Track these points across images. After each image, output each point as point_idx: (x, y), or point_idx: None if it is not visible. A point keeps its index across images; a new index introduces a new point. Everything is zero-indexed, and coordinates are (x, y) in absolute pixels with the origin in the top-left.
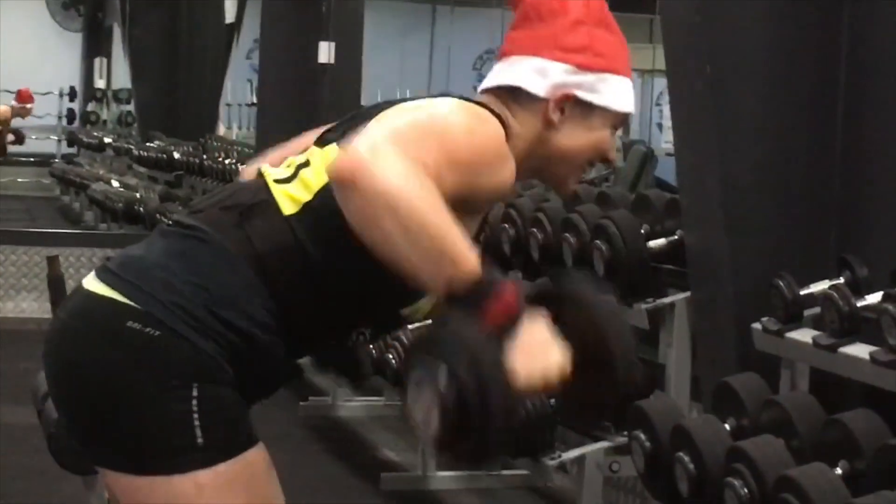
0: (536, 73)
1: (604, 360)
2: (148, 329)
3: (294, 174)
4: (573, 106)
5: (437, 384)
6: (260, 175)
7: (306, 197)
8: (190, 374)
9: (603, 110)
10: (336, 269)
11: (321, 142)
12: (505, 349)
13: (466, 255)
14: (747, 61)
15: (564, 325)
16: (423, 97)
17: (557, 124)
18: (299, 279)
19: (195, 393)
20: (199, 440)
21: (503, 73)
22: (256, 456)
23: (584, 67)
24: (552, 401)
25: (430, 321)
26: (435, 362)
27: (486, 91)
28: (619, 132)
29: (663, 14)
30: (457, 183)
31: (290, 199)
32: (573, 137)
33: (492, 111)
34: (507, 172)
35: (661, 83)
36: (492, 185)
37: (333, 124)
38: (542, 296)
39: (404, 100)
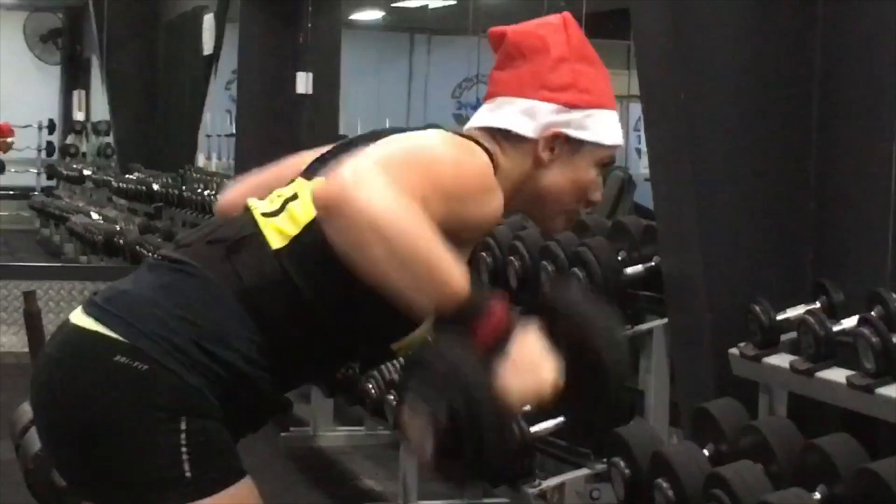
0: (524, 115)
1: (596, 373)
2: (136, 363)
3: (282, 207)
4: (563, 144)
5: (431, 410)
6: (247, 209)
7: (294, 230)
8: (178, 407)
9: (592, 146)
10: (325, 303)
11: (308, 173)
12: (496, 369)
13: (456, 276)
14: (721, 88)
15: (558, 336)
16: (411, 129)
17: (547, 163)
18: (288, 313)
19: (183, 426)
20: (188, 473)
21: (491, 114)
22: (244, 487)
23: (571, 105)
24: (531, 429)
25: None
26: (429, 388)
27: (476, 128)
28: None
29: (637, 41)
30: (443, 212)
31: (277, 233)
32: (560, 176)
33: (481, 145)
34: (494, 203)
35: (639, 109)
36: (479, 215)
37: (320, 154)
38: (537, 307)
39: (393, 130)
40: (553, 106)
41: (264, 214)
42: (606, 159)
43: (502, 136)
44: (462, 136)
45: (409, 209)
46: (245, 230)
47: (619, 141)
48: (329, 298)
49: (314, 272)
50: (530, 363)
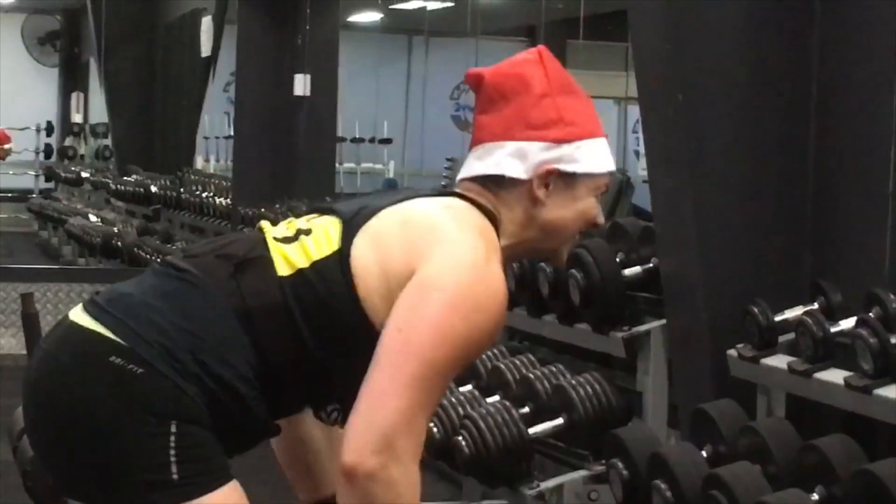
0: (515, 158)
1: None
2: (131, 366)
3: (295, 237)
4: (557, 179)
5: None
6: (259, 230)
7: (302, 263)
8: (169, 411)
9: (586, 176)
10: (318, 338)
11: (322, 210)
12: None
13: None
14: (718, 89)
15: None
16: (411, 193)
17: (544, 200)
18: (283, 340)
19: (173, 429)
20: (175, 476)
21: (481, 162)
22: (232, 490)
23: (559, 140)
24: (530, 430)
25: None
26: None
27: (469, 180)
28: None
29: (634, 43)
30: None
31: (286, 261)
32: (561, 209)
33: (484, 210)
34: (500, 324)
35: (637, 111)
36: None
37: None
38: None
39: (390, 200)
40: (541, 144)
41: (276, 239)
42: (602, 187)
43: (495, 184)
44: (460, 195)
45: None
46: (255, 251)
47: (612, 167)
48: (322, 334)
49: (311, 308)
50: None
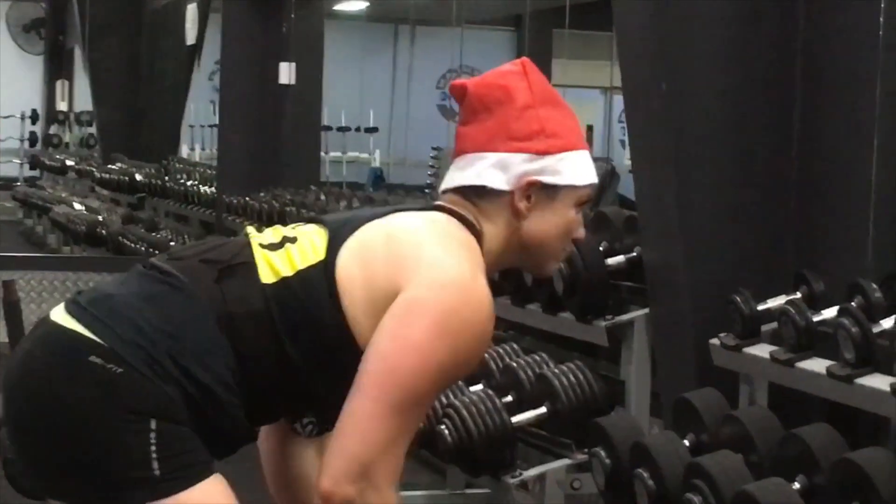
0: (496, 169)
1: None
2: (110, 365)
3: (280, 244)
4: (539, 191)
5: None
6: (245, 235)
7: (286, 272)
8: (148, 409)
9: (568, 188)
10: (298, 346)
11: (309, 219)
12: None
13: None
14: (702, 79)
15: None
16: (410, 214)
17: (526, 212)
18: (263, 347)
19: (153, 426)
20: (157, 472)
21: (462, 173)
22: (215, 483)
23: (541, 152)
24: (513, 419)
25: None
26: None
27: (451, 191)
28: None
29: (619, 33)
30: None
31: (270, 268)
32: (543, 222)
33: (464, 219)
34: (488, 342)
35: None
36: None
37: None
38: None
39: (393, 210)
40: (524, 155)
41: (262, 245)
42: (584, 198)
43: (477, 195)
44: (446, 209)
45: None
46: (240, 257)
47: (594, 180)
48: (303, 344)
49: (293, 316)
50: None
